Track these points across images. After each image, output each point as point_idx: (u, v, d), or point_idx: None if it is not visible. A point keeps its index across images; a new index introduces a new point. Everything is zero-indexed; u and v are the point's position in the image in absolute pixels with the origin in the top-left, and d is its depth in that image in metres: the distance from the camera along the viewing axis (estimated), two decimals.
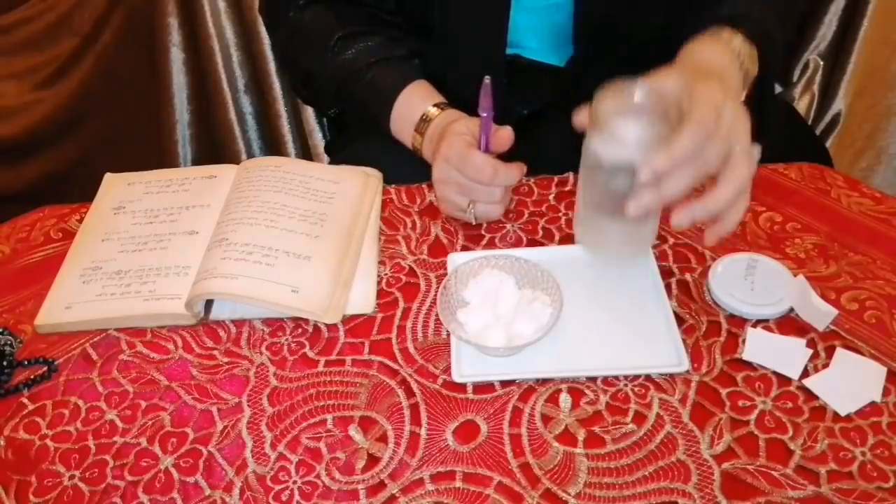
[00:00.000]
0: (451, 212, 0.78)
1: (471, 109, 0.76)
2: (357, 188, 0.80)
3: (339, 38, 0.87)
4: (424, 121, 0.81)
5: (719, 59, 0.71)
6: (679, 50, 0.76)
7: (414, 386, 0.64)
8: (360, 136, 0.95)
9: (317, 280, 0.70)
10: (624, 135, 0.60)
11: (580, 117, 0.68)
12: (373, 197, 0.80)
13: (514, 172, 0.74)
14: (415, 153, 0.83)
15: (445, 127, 0.78)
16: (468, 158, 0.72)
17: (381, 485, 0.58)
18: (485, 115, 0.71)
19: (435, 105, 0.82)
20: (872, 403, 0.60)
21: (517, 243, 0.76)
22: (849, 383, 0.61)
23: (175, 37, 1.45)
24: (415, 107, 0.83)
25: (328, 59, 0.87)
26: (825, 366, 0.63)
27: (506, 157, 0.95)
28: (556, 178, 0.82)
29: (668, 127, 0.60)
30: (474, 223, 0.77)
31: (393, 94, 0.84)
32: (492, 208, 0.76)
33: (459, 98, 0.87)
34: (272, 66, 1.47)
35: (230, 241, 0.73)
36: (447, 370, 0.64)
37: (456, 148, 0.74)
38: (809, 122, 1.45)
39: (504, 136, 0.74)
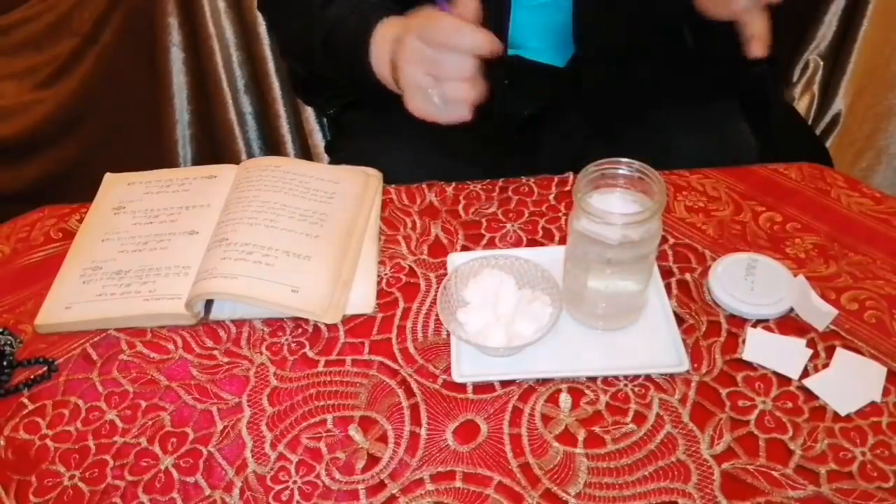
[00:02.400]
0: (419, 103, 0.71)
1: (476, 106, 0.75)
2: (357, 188, 0.80)
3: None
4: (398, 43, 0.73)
5: None
6: (678, 51, 0.77)
7: (414, 386, 0.64)
8: (360, 136, 0.95)
9: (317, 280, 0.70)
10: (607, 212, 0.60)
11: None
12: (373, 197, 0.80)
13: (480, 34, 0.66)
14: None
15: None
16: (429, 22, 0.67)
17: (381, 485, 0.58)
18: None
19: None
20: (872, 403, 0.60)
21: (517, 243, 0.76)
22: (849, 383, 0.61)
23: (175, 37, 1.45)
24: (389, 34, 0.75)
25: (314, 17, 0.83)
26: (825, 366, 0.63)
27: (506, 155, 0.95)
28: (556, 178, 0.82)
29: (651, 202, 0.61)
30: (442, 113, 0.70)
31: (368, 31, 0.77)
32: (462, 87, 0.68)
33: None
34: (272, 66, 1.47)
35: (230, 241, 0.73)
36: (447, 370, 0.64)
37: (423, 19, 0.68)
38: (809, 122, 1.45)
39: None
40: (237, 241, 0.73)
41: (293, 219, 0.75)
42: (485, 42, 0.67)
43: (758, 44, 0.69)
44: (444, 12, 0.68)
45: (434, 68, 0.68)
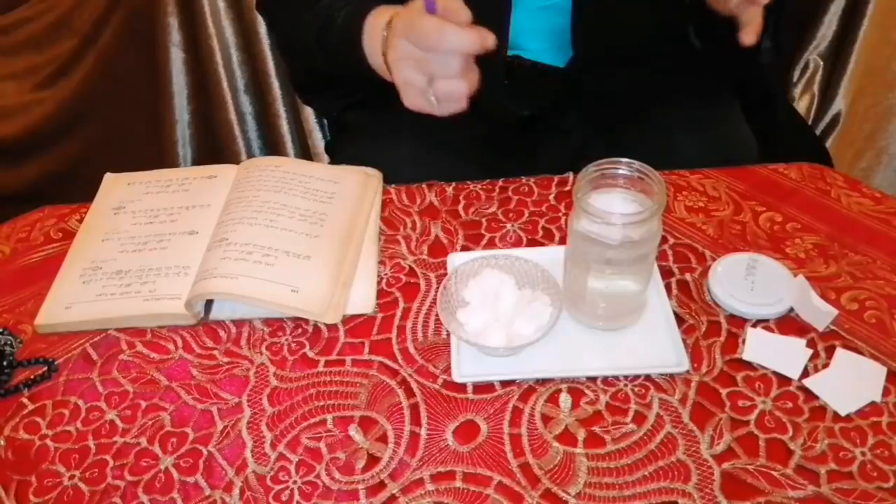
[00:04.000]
0: (414, 98, 0.71)
1: (472, 109, 0.75)
2: (357, 188, 0.80)
3: None
4: (386, 31, 0.74)
5: None
6: (678, 51, 0.77)
7: (414, 386, 0.64)
8: (360, 137, 0.95)
9: (317, 280, 0.70)
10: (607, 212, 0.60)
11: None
12: (373, 197, 0.80)
13: (465, 33, 0.66)
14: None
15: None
16: (415, 23, 0.67)
17: (381, 485, 0.58)
18: None
19: (396, 14, 0.75)
20: (872, 403, 0.60)
21: (517, 243, 0.75)
22: (849, 383, 0.61)
23: (175, 37, 1.45)
24: (379, 23, 0.75)
25: (305, 15, 0.84)
26: (825, 366, 0.63)
27: (506, 155, 0.95)
28: (556, 178, 0.82)
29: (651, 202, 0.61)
30: (437, 108, 0.70)
31: (360, 21, 0.77)
32: (452, 85, 0.69)
33: None
34: (272, 66, 1.47)
35: (230, 241, 0.73)
36: (447, 370, 0.64)
37: (404, 17, 0.69)
38: (809, 122, 1.45)
39: None
40: (237, 241, 0.73)
41: (293, 219, 0.75)
42: (471, 40, 0.67)
43: (749, 31, 0.70)
44: (430, 12, 0.67)
45: (423, 67, 0.68)
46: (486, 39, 0.67)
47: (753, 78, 0.94)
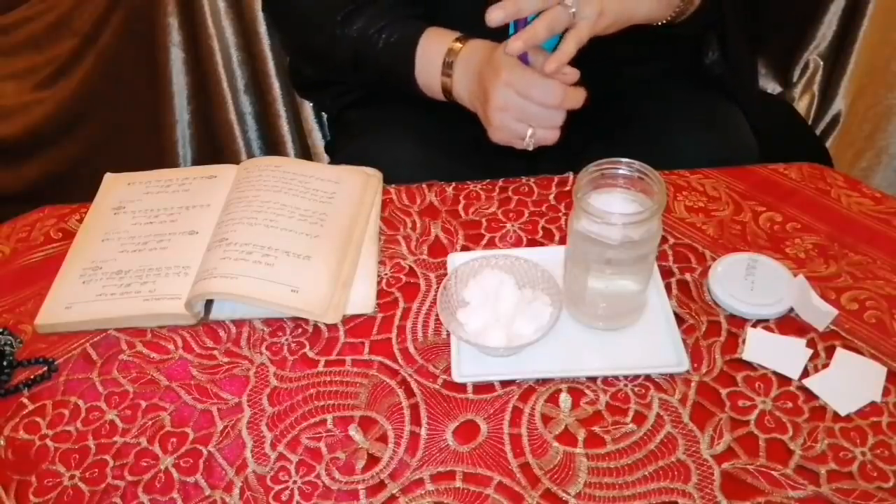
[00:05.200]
0: (506, 140, 0.78)
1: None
2: (357, 188, 0.80)
3: (345, 13, 0.86)
4: (450, 58, 0.81)
5: None
6: (677, 51, 0.78)
7: (414, 386, 0.64)
8: (360, 136, 0.95)
9: (317, 280, 0.70)
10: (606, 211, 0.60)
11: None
12: (373, 197, 0.80)
13: (580, 94, 0.74)
14: (449, 98, 0.83)
15: (485, 56, 0.78)
16: (536, 81, 0.73)
17: (381, 485, 0.58)
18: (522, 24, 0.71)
19: (456, 40, 0.82)
20: (872, 403, 0.60)
21: (517, 243, 0.76)
22: (849, 383, 0.61)
23: (175, 37, 1.44)
24: (436, 49, 0.82)
25: (338, 34, 0.87)
26: (825, 366, 0.63)
27: (506, 155, 0.95)
28: (556, 178, 0.82)
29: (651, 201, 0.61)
30: (531, 149, 0.77)
31: (411, 45, 0.83)
32: (551, 133, 0.76)
33: None
34: (272, 66, 1.46)
35: (230, 241, 0.73)
36: (447, 370, 0.64)
37: (519, 72, 0.74)
38: (809, 122, 1.45)
39: (564, 53, 0.72)
40: (237, 241, 0.73)
41: (293, 219, 0.75)
42: (581, 100, 0.74)
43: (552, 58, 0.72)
44: (532, 69, 0.73)
45: (528, 118, 0.75)
46: (583, 97, 0.75)
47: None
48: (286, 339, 0.68)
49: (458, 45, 0.81)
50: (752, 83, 1.08)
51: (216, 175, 0.83)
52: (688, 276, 0.71)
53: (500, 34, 0.74)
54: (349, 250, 0.74)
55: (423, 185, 0.82)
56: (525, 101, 0.74)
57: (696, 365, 0.64)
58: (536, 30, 0.71)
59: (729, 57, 0.91)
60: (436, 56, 0.82)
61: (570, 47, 0.71)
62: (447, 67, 0.81)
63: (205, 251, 0.74)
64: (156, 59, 1.46)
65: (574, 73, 0.73)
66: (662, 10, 0.79)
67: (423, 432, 0.60)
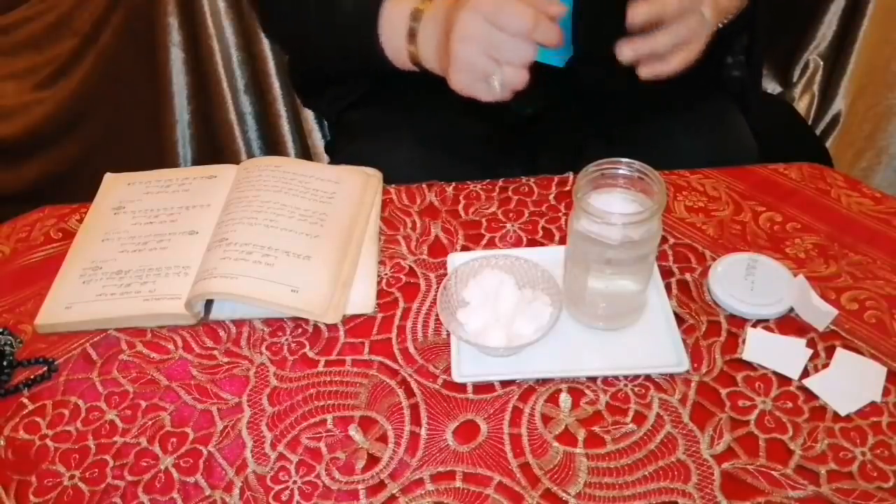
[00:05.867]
0: (469, 83, 0.71)
1: (477, 106, 0.75)
2: (357, 188, 0.80)
3: None
4: (416, 19, 0.75)
5: None
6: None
7: (414, 386, 0.64)
8: (360, 136, 0.95)
9: (317, 280, 0.70)
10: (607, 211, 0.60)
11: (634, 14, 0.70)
12: (373, 197, 0.80)
13: (554, 26, 0.69)
14: (418, 66, 0.77)
15: (451, 3, 0.72)
16: (505, 4, 0.66)
17: (381, 485, 0.58)
18: None
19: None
20: (872, 403, 0.60)
21: (517, 243, 0.76)
22: (849, 383, 0.61)
23: (175, 37, 1.45)
24: (401, 11, 0.76)
25: (314, 12, 0.83)
26: (825, 366, 0.63)
27: (506, 155, 0.95)
28: (556, 178, 0.82)
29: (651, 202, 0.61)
30: (498, 92, 0.71)
31: (374, 13, 0.77)
32: (520, 74, 0.70)
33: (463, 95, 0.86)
34: (272, 66, 1.47)
35: (230, 241, 0.73)
36: (447, 370, 0.64)
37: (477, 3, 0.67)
38: (809, 122, 1.45)
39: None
40: (237, 241, 0.73)
41: (293, 219, 0.75)
42: (555, 35, 0.68)
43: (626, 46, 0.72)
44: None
45: (496, 51, 0.68)
46: (561, 37, 0.69)
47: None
48: (286, 339, 0.68)
49: (423, 4, 0.75)
50: (759, 84, 1.08)
51: (216, 175, 0.83)
52: (688, 276, 0.71)
53: None
54: (349, 250, 0.74)
55: (423, 185, 0.82)
56: (491, 28, 0.67)
57: (696, 365, 0.64)
58: (661, 38, 0.70)
59: (752, 59, 0.91)
60: (400, 19, 0.75)
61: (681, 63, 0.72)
62: (412, 32, 0.75)
63: (205, 251, 0.74)
64: (156, 59, 1.46)
65: (561, 8, 0.69)
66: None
67: (423, 432, 0.61)
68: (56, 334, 0.70)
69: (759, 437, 0.59)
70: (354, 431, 0.61)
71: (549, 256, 0.70)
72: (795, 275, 0.69)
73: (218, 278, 0.70)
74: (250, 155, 1.57)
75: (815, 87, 1.47)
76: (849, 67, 1.42)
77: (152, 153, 1.55)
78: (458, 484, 0.57)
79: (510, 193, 0.81)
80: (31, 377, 0.67)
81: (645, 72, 0.72)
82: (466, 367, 0.64)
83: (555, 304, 0.66)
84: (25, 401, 0.65)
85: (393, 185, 0.82)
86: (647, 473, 0.57)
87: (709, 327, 0.66)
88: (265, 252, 0.72)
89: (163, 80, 1.48)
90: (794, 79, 1.47)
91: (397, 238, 0.77)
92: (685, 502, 0.55)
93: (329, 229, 0.75)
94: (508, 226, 0.77)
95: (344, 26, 0.80)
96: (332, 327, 0.69)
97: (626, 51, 0.70)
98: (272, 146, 1.56)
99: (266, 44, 1.44)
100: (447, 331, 0.67)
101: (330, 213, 0.76)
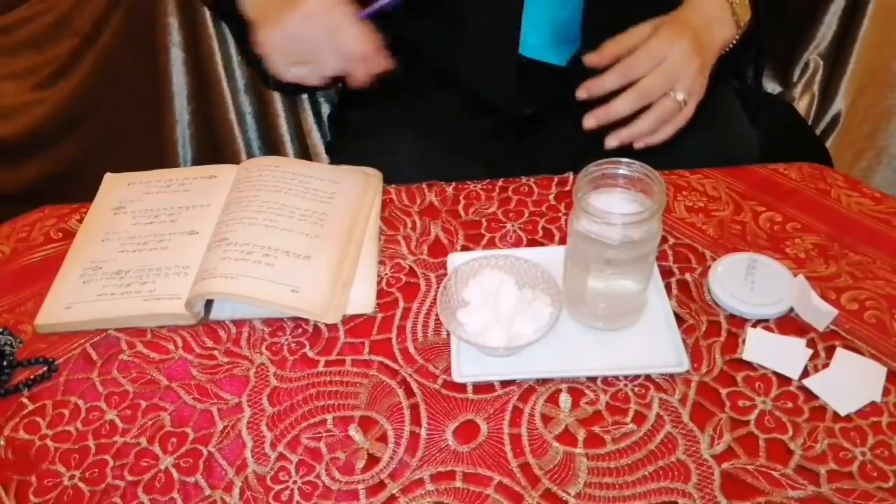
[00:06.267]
0: (271, 56, 0.74)
1: (482, 95, 0.75)
2: (357, 188, 0.80)
3: None
4: None
5: (711, 8, 0.79)
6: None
7: (414, 386, 0.64)
8: (360, 136, 0.95)
9: (316, 280, 0.70)
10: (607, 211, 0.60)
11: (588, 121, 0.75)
12: (373, 197, 0.80)
13: (385, 62, 0.73)
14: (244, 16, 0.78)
15: None
16: (351, 25, 0.71)
17: (381, 485, 0.58)
18: None
19: None
20: (872, 403, 0.60)
21: (517, 243, 0.75)
22: (849, 383, 0.61)
23: (175, 37, 1.44)
24: None
25: None
26: (825, 366, 0.63)
27: (506, 154, 0.95)
28: (556, 178, 0.82)
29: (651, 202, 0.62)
30: (290, 75, 0.74)
31: None
32: (318, 78, 0.74)
33: (470, 83, 0.85)
34: None
35: (230, 241, 0.73)
36: (447, 370, 0.64)
37: (333, 4, 0.71)
38: (809, 122, 1.45)
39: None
40: (237, 241, 0.73)
41: (293, 219, 0.75)
42: (363, 79, 0.73)
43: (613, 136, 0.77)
44: (362, 22, 0.72)
45: (315, 49, 0.72)
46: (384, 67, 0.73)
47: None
48: (286, 339, 0.68)
49: None
50: (761, 85, 1.09)
51: (216, 175, 0.83)
52: (688, 276, 0.71)
53: None
54: (349, 250, 0.74)
55: (423, 185, 0.82)
56: (324, 38, 0.71)
57: (696, 365, 0.64)
58: (642, 123, 0.75)
59: (758, 68, 0.92)
60: None
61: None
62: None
63: (205, 251, 0.74)
64: (156, 59, 1.46)
65: (389, 64, 0.72)
66: (731, 30, 0.81)
67: (423, 432, 0.60)
68: (56, 334, 0.70)
69: (759, 437, 0.59)
70: (354, 431, 0.61)
71: (549, 256, 0.70)
72: (795, 275, 0.69)
73: (218, 278, 0.70)
74: (250, 155, 1.57)
75: (815, 87, 1.46)
76: (849, 67, 1.42)
77: (152, 153, 1.55)
78: (458, 484, 0.57)
79: (510, 193, 0.81)
80: (31, 377, 0.67)
81: (639, 145, 0.77)
82: (466, 367, 0.64)
83: (555, 304, 0.66)
84: (25, 401, 0.65)
85: (393, 185, 0.82)
86: (647, 473, 0.57)
87: (709, 327, 0.66)
88: (265, 252, 0.72)
89: (163, 80, 1.48)
90: (794, 79, 1.47)
91: (397, 238, 0.77)
92: (685, 502, 0.55)
93: (329, 229, 0.75)
94: (508, 226, 0.77)
95: None
96: (332, 327, 0.69)
97: (611, 141, 0.77)
98: (272, 146, 1.56)
99: None
100: (447, 331, 0.67)
101: (330, 213, 0.76)
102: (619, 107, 0.75)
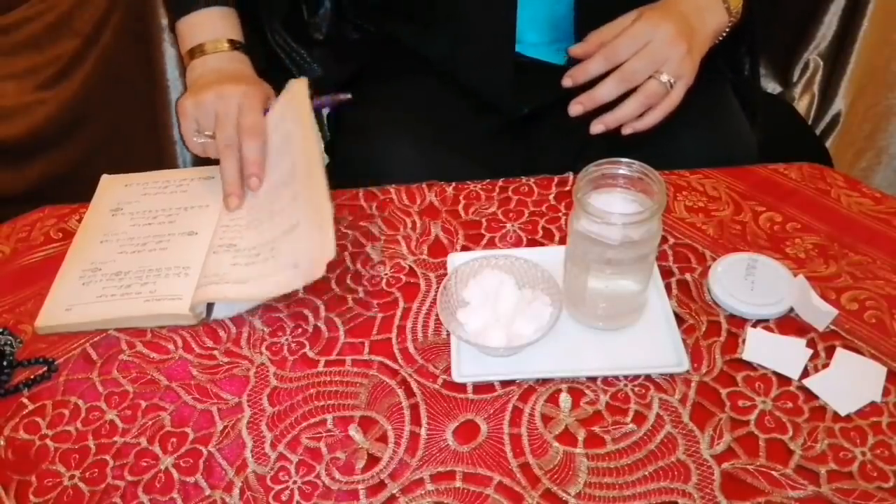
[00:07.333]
0: (191, 120, 0.79)
1: (480, 93, 0.76)
2: (291, 111, 0.79)
3: None
4: (212, 45, 0.82)
5: None
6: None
7: (414, 386, 0.64)
8: (360, 136, 0.95)
9: (308, 240, 0.69)
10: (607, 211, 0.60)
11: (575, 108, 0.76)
12: (302, 105, 0.79)
13: (261, 150, 0.77)
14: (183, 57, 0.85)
15: (241, 70, 0.81)
16: (258, 114, 0.77)
17: (381, 485, 0.58)
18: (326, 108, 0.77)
19: (230, 41, 0.83)
20: (872, 403, 0.60)
21: (517, 243, 0.76)
22: (849, 383, 0.61)
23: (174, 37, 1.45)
24: (211, 26, 0.83)
25: None
26: (825, 366, 0.63)
27: (506, 153, 0.95)
28: (556, 178, 0.82)
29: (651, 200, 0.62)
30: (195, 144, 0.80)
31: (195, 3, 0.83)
32: (211, 150, 0.79)
33: (468, 81, 0.85)
34: None
35: (238, 248, 0.73)
36: (447, 370, 0.64)
37: (253, 95, 0.77)
38: (809, 122, 1.45)
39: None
40: (245, 248, 0.73)
41: (279, 189, 0.75)
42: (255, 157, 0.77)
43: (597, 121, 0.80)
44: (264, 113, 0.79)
45: (219, 126, 0.77)
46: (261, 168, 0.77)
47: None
48: (286, 339, 0.68)
49: (227, 46, 0.82)
50: (759, 83, 1.09)
51: (214, 176, 0.83)
52: (688, 276, 0.71)
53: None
54: (316, 186, 0.72)
55: (423, 185, 0.82)
56: (235, 115, 0.76)
57: (696, 365, 0.64)
58: (627, 107, 0.76)
59: (753, 62, 0.93)
60: (202, 30, 0.82)
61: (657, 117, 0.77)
62: (199, 49, 0.82)
63: (207, 253, 0.74)
64: (156, 59, 1.46)
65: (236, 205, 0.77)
66: (722, 17, 0.81)
67: (423, 432, 0.60)
68: (56, 335, 0.70)
69: (759, 437, 0.59)
70: (354, 431, 0.61)
71: (549, 256, 0.70)
72: (795, 275, 0.69)
73: (231, 283, 0.70)
74: None
75: (815, 87, 1.46)
76: (849, 67, 1.42)
77: (152, 153, 1.55)
78: (458, 484, 0.57)
79: (510, 193, 0.81)
80: (31, 377, 0.67)
81: (626, 131, 0.78)
82: (466, 367, 0.64)
83: (555, 304, 0.66)
84: (25, 401, 0.65)
85: (393, 185, 0.82)
86: (647, 473, 0.57)
87: (709, 327, 0.66)
88: (271, 246, 0.72)
89: (162, 80, 1.48)
90: (794, 79, 1.47)
91: (397, 238, 0.77)
92: (685, 502, 0.55)
93: (299, 176, 0.74)
94: (508, 226, 0.77)
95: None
96: (332, 327, 0.69)
97: (596, 126, 0.79)
98: None
99: None
100: (447, 331, 0.67)
101: (294, 155, 0.76)
102: (604, 91, 0.75)
